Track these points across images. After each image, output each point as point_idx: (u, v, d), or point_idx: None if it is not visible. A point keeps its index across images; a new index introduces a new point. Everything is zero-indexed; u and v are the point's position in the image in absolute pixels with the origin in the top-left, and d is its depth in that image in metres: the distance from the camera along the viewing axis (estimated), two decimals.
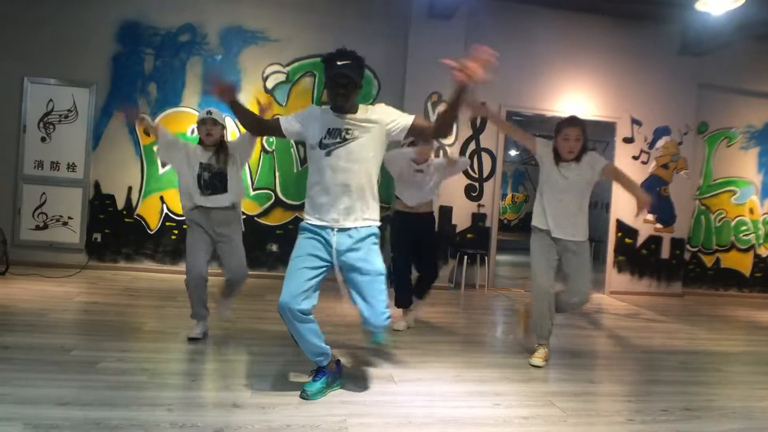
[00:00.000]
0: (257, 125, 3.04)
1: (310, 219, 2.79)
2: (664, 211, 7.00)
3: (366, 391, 2.91)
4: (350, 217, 2.73)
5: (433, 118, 6.28)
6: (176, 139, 3.76)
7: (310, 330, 2.72)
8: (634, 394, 3.19)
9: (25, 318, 3.91)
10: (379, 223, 2.83)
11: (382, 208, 2.93)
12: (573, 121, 3.59)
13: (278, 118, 2.85)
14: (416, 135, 2.90)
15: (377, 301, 2.72)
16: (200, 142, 3.65)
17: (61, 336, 3.56)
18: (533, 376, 3.35)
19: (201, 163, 3.59)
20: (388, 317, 2.76)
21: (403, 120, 2.80)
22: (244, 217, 6.06)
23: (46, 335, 3.52)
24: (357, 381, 3.03)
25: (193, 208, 3.63)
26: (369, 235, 2.77)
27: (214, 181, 3.59)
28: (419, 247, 4.32)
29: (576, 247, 3.64)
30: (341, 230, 2.73)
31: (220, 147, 3.64)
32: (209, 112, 3.61)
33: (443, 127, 2.89)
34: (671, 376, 3.58)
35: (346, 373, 3.11)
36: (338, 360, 2.96)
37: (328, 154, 2.71)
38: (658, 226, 7.01)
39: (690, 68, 6.91)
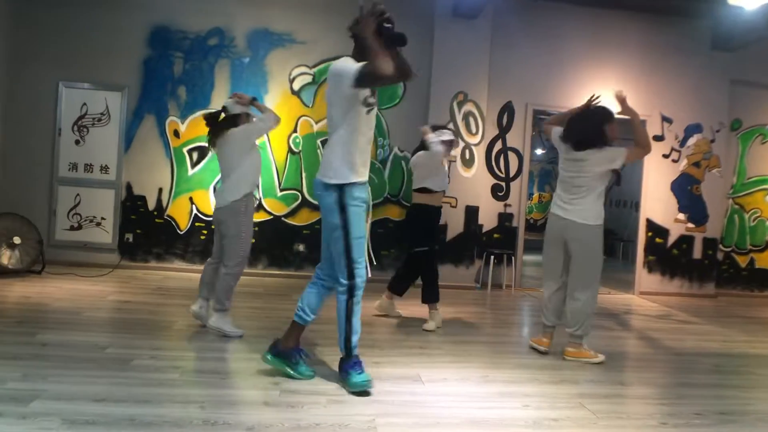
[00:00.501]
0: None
1: (358, 178, 2.85)
2: (696, 211, 6.85)
3: (394, 390, 2.92)
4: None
5: (459, 118, 6.26)
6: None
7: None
8: (667, 397, 3.13)
9: (61, 316, 4.02)
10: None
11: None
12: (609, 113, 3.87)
13: None
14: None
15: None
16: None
17: (96, 334, 3.66)
18: (563, 377, 3.32)
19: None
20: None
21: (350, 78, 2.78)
22: (271, 217, 6.18)
23: (81, 333, 3.61)
24: (385, 380, 3.04)
25: (249, 193, 3.79)
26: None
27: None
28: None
29: (582, 230, 3.60)
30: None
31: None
32: (224, 108, 3.88)
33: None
34: (705, 379, 3.51)
35: (374, 373, 3.12)
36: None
37: (369, 111, 2.87)
38: (690, 225, 6.86)
39: (722, 64, 6.75)
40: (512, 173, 6.59)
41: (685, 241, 6.86)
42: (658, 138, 6.76)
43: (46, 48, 5.99)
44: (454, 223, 6.30)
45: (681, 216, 6.83)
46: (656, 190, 6.77)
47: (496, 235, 6.56)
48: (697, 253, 6.87)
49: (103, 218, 6.10)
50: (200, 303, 3.89)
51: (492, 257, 6.32)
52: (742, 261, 7.17)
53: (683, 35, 6.69)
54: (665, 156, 6.78)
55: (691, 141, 6.81)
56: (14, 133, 6.00)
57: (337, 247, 2.87)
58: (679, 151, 6.81)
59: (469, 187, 6.30)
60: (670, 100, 6.75)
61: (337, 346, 2.96)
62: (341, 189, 2.82)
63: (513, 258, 6.44)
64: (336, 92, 2.81)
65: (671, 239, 6.84)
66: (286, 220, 6.25)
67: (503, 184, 6.58)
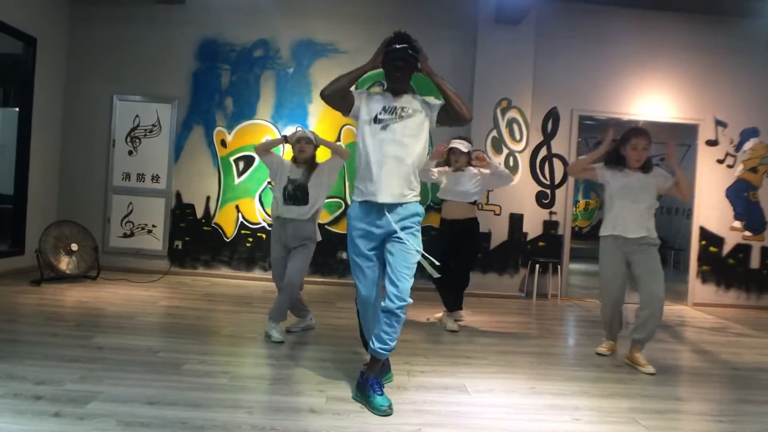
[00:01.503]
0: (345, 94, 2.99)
1: (355, 198, 2.89)
2: (753, 218, 6.55)
3: (439, 400, 2.90)
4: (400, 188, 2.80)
5: (502, 124, 6.20)
6: (278, 158, 4.09)
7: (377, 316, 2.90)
8: (725, 414, 2.99)
9: (115, 320, 4.16)
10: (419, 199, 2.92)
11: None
12: (640, 131, 3.78)
13: (352, 91, 2.93)
14: (446, 111, 2.91)
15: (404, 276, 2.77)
16: (293, 159, 3.98)
17: (148, 338, 3.77)
18: (614, 391, 3.22)
19: (289, 178, 3.90)
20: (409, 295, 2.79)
21: (435, 106, 2.93)
22: None
23: (135, 337, 3.73)
24: (430, 390, 3.02)
25: (276, 217, 3.97)
26: (415, 214, 2.86)
27: (296, 193, 3.86)
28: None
29: (648, 247, 3.73)
30: (391, 207, 2.79)
31: (310, 164, 3.94)
32: (304, 131, 3.99)
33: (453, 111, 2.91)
34: (765, 395, 3.34)
35: (420, 382, 3.11)
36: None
37: (384, 128, 2.81)
38: (747, 233, 6.56)
39: None
40: (557, 180, 6.46)
41: (742, 250, 6.56)
42: (712, 143, 6.52)
43: (101, 63, 6.26)
44: (498, 231, 6.23)
45: (737, 224, 6.54)
46: (710, 197, 6.51)
47: (541, 243, 6.44)
48: (754, 262, 6.56)
49: (154, 226, 6.30)
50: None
51: (537, 266, 6.21)
52: None
53: (737, 35, 6.43)
54: (719, 161, 6.52)
55: (748, 145, 6.53)
56: (72, 145, 6.29)
57: None
58: (734, 156, 6.54)
59: (513, 194, 6.21)
60: (725, 103, 6.50)
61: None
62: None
63: (559, 267, 6.31)
64: None
65: (726, 248, 6.56)
66: (329, 228, 6.31)
67: (548, 191, 6.46)
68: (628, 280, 3.86)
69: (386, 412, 2.66)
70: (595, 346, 4.11)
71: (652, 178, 3.75)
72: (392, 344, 2.83)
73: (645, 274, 3.68)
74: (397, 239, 2.80)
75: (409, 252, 2.79)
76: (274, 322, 3.88)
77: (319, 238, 4.03)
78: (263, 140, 4.05)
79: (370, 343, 2.88)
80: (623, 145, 3.76)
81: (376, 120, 2.82)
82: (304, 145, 3.93)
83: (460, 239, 4.51)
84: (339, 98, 2.87)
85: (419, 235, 2.88)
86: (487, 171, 4.49)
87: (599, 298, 4.19)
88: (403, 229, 2.80)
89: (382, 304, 2.78)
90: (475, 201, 4.60)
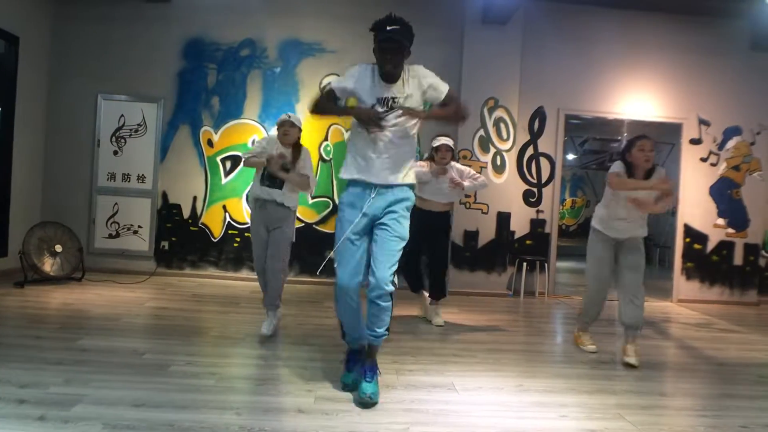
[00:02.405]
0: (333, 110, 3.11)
1: (353, 175, 2.90)
2: (736, 215, 6.64)
3: (428, 399, 2.90)
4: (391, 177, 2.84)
5: (489, 124, 6.23)
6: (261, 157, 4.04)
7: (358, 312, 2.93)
8: (710, 409, 3.03)
9: (101, 322, 4.12)
10: (412, 181, 2.93)
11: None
12: (644, 136, 3.78)
13: (332, 90, 2.93)
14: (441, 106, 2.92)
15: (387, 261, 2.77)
16: (280, 141, 4.01)
17: (134, 340, 3.74)
18: (600, 387, 3.25)
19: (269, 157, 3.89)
20: (392, 282, 2.78)
21: (437, 93, 2.88)
22: (303, 225, 6.23)
23: (120, 339, 3.69)
24: (419, 388, 3.03)
25: (254, 198, 3.98)
26: (404, 199, 2.87)
27: (274, 177, 3.88)
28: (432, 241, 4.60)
29: (636, 242, 3.85)
30: (380, 189, 2.83)
31: (294, 147, 3.97)
32: (288, 115, 3.99)
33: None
34: (749, 390, 3.38)
35: (408, 381, 3.12)
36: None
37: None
38: (730, 230, 6.65)
39: (761, 64, 6.55)
40: (544, 179, 6.50)
41: (725, 246, 6.65)
42: (695, 141, 6.60)
43: (86, 62, 6.18)
44: (485, 229, 6.26)
45: (720, 221, 6.63)
46: (694, 195, 6.59)
47: (528, 242, 6.48)
48: (737, 259, 6.66)
49: (140, 226, 6.24)
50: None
51: (524, 264, 6.25)
52: None
53: (720, 36, 6.52)
54: (703, 160, 6.61)
55: (730, 144, 6.62)
56: (56, 145, 6.20)
57: None
58: (717, 155, 6.62)
59: (500, 193, 6.24)
60: (708, 103, 6.58)
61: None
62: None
63: (546, 265, 6.35)
64: None
65: (710, 245, 6.65)
66: (317, 228, 6.29)
67: (535, 189, 6.50)
68: (612, 273, 3.95)
69: (365, 400, 2.71)
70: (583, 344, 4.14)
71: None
72: (380, 330, 2.85)
73: (632, 268, 3.81)
74: (381, 225, 2.82)
75: (391, 239, 2.79)
76: (269, 309, 3.97)
77: (292, 238, 4.04)
78: (248, 156, 4.02)
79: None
80: (629, 150, 3.76)
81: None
82: (288, 129, 3.96)
83: (435, 228, 4.61)
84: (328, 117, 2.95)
85: (406, 221, 2.88)
86: (466, 183, 4.57)
87: (584, 288, 4.28)
88: (389, 213, 2.82)
89: (367, 291, 2.80)
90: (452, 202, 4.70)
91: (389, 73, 2.80)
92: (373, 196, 2.83)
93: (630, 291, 3.81)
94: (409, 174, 2.90)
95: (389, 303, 2.81)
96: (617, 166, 3.81)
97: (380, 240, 2.80)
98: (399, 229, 2.82)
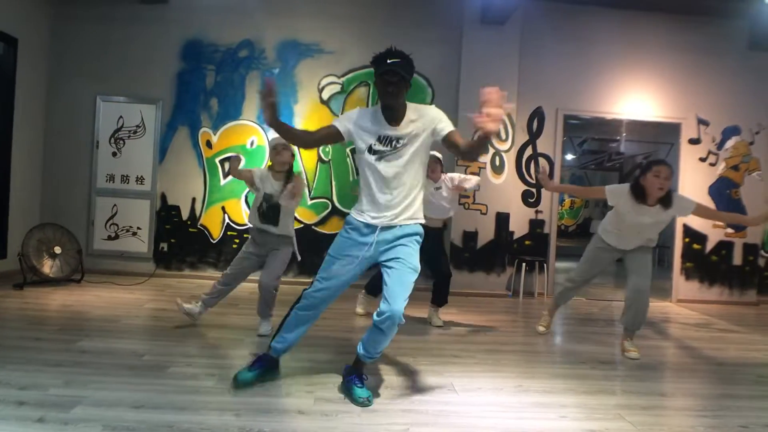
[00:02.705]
0: (310, 139, 3.03)
1: (357, 216, 2.89)
2: None
3: (428, 400, 2.90)
4: (399, 216, 2.83)
5: None
6: (248, 172, 4.10)
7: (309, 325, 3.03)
8: (709, 409, 3.03)
9: (100, 324, 4.11)
10: (422, 221, 2.93)
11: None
12: (664, 161, 3.74)
13: (334, 123, 2.91)
14: (448, 146, 2.86)
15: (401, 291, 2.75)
16: (271, 167, 4.01)
17: (133, 341, 3.73)
18: (600, 388, 3.25)
19: (265, 194, 3.95)
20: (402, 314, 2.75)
21: (447, 128, 2.83)
22: (302, 226, 6.23)
23: (120, 340, 3.69)
24: (418, 389, 3.03)
25: (254, 228, 4.04)
26: (414, 234, 2.87)
27: (269, 213, 3.94)
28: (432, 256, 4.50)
29: (640, 246, 3.92)
30: (385, 228, 2.82)
31: (288, 176, 3.95)
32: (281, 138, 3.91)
33: (470, 157, 3.05)
34: (749, 390, 3.39)
35: (408, 382, 3.12)
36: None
37: (379, 159, 2.80)
38: (729, 231, 6.66)
39: (760, 64, 6.57)
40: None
41: (725, 247, 6.66)
42: (694, 141, 6.61)
43: (84, 64, 6.18)
44: (484, 230, 6.26)
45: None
46: (693, 195, 6.45)
47: (527, 242, 6.48)
48: (737, 259, 6.66)
49: (138, 228, 6.24)
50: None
51: (523, 264, 6.25)
52: None
53: (718, 36, 6.53)
54: (702, 159, 6.61)
55: (729, 143, 6.63)
56: (54, 146, 6.20)
57: None
58: (716, 155, 6.63)
59: (499, 193, 6.25)
60: (707, 102, 6.59)
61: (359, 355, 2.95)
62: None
63: (545, 265, 6.35)
64: None
65: (710, 245, 6.65)
66: (316, 229, 6.29)
67: (534, 190, 6.50)
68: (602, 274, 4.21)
69: (364, 403, 2.74)
70: (581, 344, 4.16)
71: (669, 215, 3.73)
72: (377, 355, 2.88)
73: (634, 269, 3.88)
74: (395, 258, 2.79)
75: (407, 272, 2.77)
76: (263, 318, 4.05)
77: (294, 250, 4.09)
78: (227, 166, 4.09)
79: (358, 348, 2.89)
80: (644, 174, 3.67)
81: (371, 150, 2.82)
82: (281, 150, 3.96)
83: (432, 245, 4.54)
84: (317, 145, 3.07)
85: (416, 252, 2.85)
86: (465, 185, 4.58)
87: (568, 275, 4.47)
88: (399, 245, 2.80)
89: (374, 316, 2.76)
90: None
91: (390, 107, 2.77)
92: (376, 236, 2.83)
93: (631, 295, 3.88)
94: (418, 212, 2.88)
95: (394, 333, 2.80)
96: (618, 191, 3.79)
97: (396, 272, 2.77)
98: (413, 262, 2.81)
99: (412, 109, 2.83)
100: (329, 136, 2.92)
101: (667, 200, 3.67)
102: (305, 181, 4.11)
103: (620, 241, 3.93)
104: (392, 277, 2.76)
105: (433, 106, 2.95)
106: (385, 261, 2.84)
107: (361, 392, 2.80)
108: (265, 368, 3.04)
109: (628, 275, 3.94)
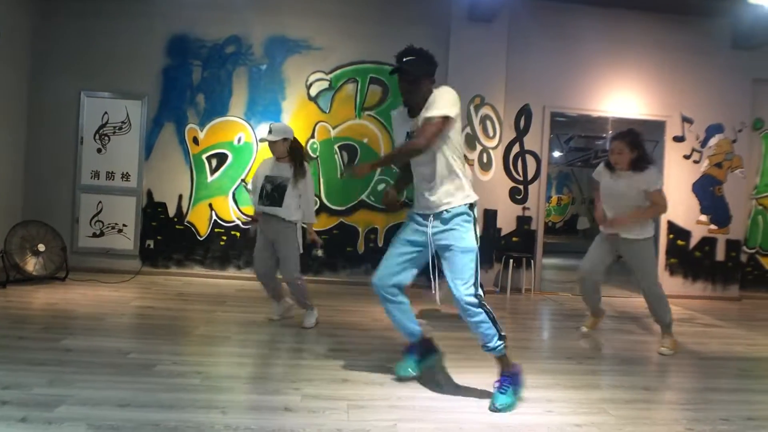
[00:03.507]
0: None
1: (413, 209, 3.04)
2: (718, 212, 6.74)
3: (414, 395, 2.91)
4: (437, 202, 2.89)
5: (476, 121, 6.24)
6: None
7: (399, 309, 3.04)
8: (692, 402, 3.08)
9: (85, 322, 4.08)
10: (469, 201, 2.95)
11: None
12: (617, 135, 3.94)
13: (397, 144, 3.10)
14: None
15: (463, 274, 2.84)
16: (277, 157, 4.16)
17: (119, 339, 3.70)
18: (585, 382, 3.28)
19: (267, 177, 4.06)
20: (473, 294, 2.84)
21: (428, 113, 2.83)
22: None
23: (105, 338, 3.66)
24: (405, 385, 3.03)
25: (259, 213, 4.17)
26: (459, 214, 2.88)
27: (273, 194, 4.02)
28: None
29: (632, 244, 3.96)
30: (435, 215, 2.90)
31: (294, 160, 4.05)
32: (269, 131, 4.05)
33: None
34: (731, 383, 3.45)
35: (393, 378, 3.13)
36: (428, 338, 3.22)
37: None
38: (713, 227, 6.75)
39: (743, 63, 6.64)
40: (530, 176, 6.55)
41: (708, 243, 6.74)
42: (679, 139, 6.68)
43: (68, 58, 6.10)
44: None
45: (703, 218, 6.72)
46: (677, 192, 6.67)
47: (514, 239, 6.52)
48: (720, 255, 6.75)
49: (124, 225, 6.18)
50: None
51: (511, 261, 6.29)
52: (767, 263, 7.02)
53: (703, 34, 6.60)
54: (686, 157, 6.69)
55: (713, 141, 6.71)
56: (38, 142, 6.12)
57: None
58: (700, 152, 6.71)
59: (487, 190, 6.27)
60: (691, 101, 6.66)
61: (354, 352, 2.96)
62: None
63: (532, 261, 6.39)
64: None
65: (693, 241, 6.73)
66: (304, 226, 6.26)
67: (521, 187, 6.54)
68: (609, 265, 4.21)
69: (491, 408, 2.74)
70: (568, 339, 4.20)
71: (642, 180, 3.85)
72: (490, 343, 2.84)
73: (635, 269, 4.05)
74: (446, 247, 2.86)
75: (458, 257, 2.84)
76: (303, 309, 4.27)
77: (299, 249, 4.17)
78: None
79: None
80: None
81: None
82: (271, 146, 4.05)
83: None
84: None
85: (469, 232, 2.89)
86: None
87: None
88: (449, 230, 2.87)
89: None
90: None
91: (407, 104, 2.91)
92: (430, 223, 2.92)
93: (644, 297, 4.09)
94: (456, 195, 2.91)
95: (480, 315, 2.82)
96: (597, 169, 4.11)
97: (446, 262, 2.88)
98: (464, 243, 2.86)
99: (430, 99, 2.88)
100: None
101: (637, 166, 3.84)
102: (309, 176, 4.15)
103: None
104: (445, 267, 2.88)
105: (444, 88, 2.93)
106: (442, 252, 2.91)
107: (501, 398, 2.77)
108: (417, 353, 3.16)
109: (635, 276, 4.12)
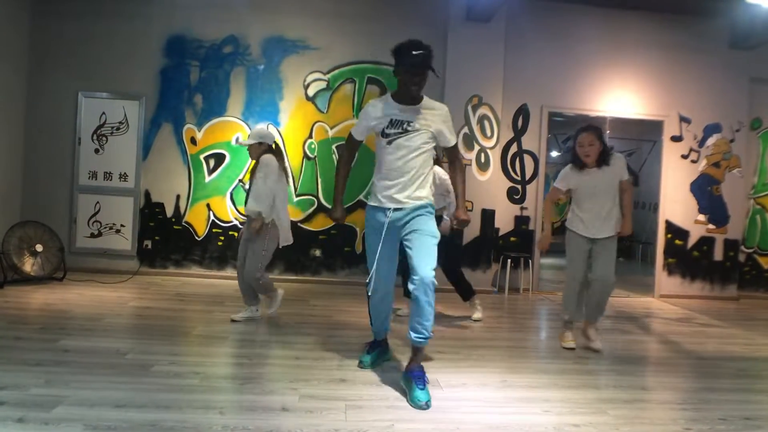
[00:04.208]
0: (350, 162, 3.32)
1: (371, 203, 3.10)
2: (716, 212, 6.74)
3: None
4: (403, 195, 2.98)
5: (473, 121, 6.24)
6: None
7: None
8: (690, 402, 3.08)
9: (82, 322, 4.07)
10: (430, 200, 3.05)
11: None
12: (586, 128, 3.87)
13: (355, 137, 3.17)
14: (447, 156, 3.23)
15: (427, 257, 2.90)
16: None
17: (116, 340, 3.69)
18: (583, 382, 3.28)
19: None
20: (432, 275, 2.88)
21: (445, 141, 3.08)
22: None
23: (103, 339, 3.65)
24: (403, 385, 3.03)
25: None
26: (421, 206, 2.98)
27: (246, 193, 4.24)
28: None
29: (607, 240, 3.89)
30: (397, 209, 2.97)
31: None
32: (237, 140, 4.45)
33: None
34: (729, 383, 3.44)
35: (393, 377, 3.13)
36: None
37: (390, 143, 2.95)
38: (711, 226, 6.75)
39: (741, 62, 6.65)
40: (528, 176, 6.55)
41: (706, 242, 6.75)
42: (677, 138, 6.68)
43: (66, 59, 6.09)
44: (470, 226, 6.24)
45: (701, 217, 6.73)
46: (675, 192, 6.68)
47: (512, 239, 6.52)
48: (718, 254, 6.76)
49: (122, 225, 6.17)
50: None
51: (509, 261, 6.29)
52: (765, 262, 7.03)
53: (700, 34, 6.60)
54: (684, 157, 6.69)
55: (711, 141, 6.72)
56: (35, 143, 6.11)
57: None
58: (698, 152, 6.71)
59: (484, 190, 6.27)
60: (688, 100, 6.67)
61: (352, 352, 2.99)
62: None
63: (530, 261, 6.40)
64: None
65: (691, 241, 6.74)
66: (302, 226, 6.27)
67: (519, 187, 6.54)
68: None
69: (422, 407, 2.72)
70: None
71: (613, 173, 3.83)
72: (425, 332, 2.93)
73: (600, 259, 3.88)
74: (413, 231, 2.93)
75: (426, 239, 2.91)
76: (246, 303, 4.35)
77: (264, 249, 4.17)
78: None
79: (408, 335, 3.02)
80: (574, 146, 3.87)
81: (383, 134, 2.98)
82: (248, 150, 4.26)
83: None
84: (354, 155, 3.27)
85: (432, 220, 2.99)
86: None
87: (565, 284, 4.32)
88: (413, 218, 2.94)
89: (410, 288, 2.92)
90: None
91: (414, 97, 2.94)
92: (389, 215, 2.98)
93: (597, 287, 3.93)
94: (427, 194, 3.03)
95: (431, 299, 2.88)
96: (562, 174, 3.96)
97: (416, 242, 2.92)
98: (430, 228, 2.95)
99: (426, 100, 3.00)
100: (356, 147, 3.23)
101: (603, 160, 3.81)
102: (272, 164, 4.08)
103: (586, 223, 3.88)
104: (414, 248, 2.91)
105: (446, 110, 3.09)
106: (405, 236, 2.98)
107: (420, 395, 2.76)
108: (380, 350, 3.36)
109: (593, 263, 3.91)
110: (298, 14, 6.25)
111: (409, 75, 2.86)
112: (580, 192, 3.90)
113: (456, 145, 3.15)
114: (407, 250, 2.95)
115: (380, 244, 2.99)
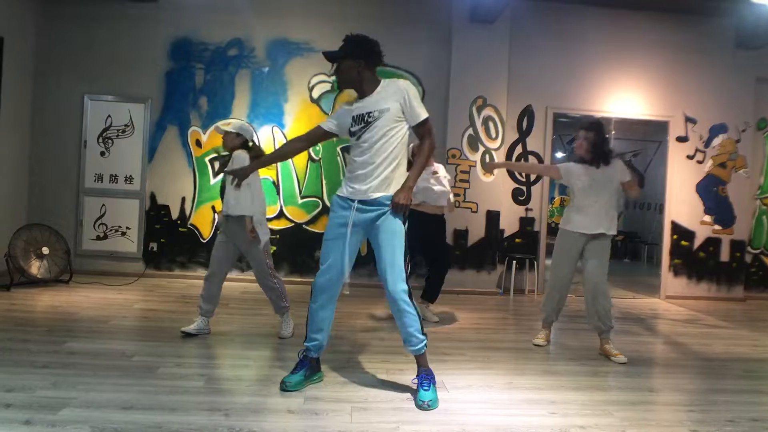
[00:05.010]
0: (300, 144, 3.27)
1: (339, 193, 2.99)
2: (722, 212, 6.71)
3: None
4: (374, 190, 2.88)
5: (478, 122, 6.23)
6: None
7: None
8: (697, 404, 3.06)
9: (89, 324, 4.08)
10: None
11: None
12: (582, 124, 3.97)
13: (320, 124, 3.12)
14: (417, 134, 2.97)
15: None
16: None
17: (122, 342, 3.71)
18: (589, 384, 3.27)
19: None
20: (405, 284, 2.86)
21: (411, 116, 2.89)
22: (293, 225, 6.22)
23: (109, 341, 3.67)
24: (408, 387, 3.02)
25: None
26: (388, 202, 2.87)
27: (222, 192, 4.00)
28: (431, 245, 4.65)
29: (602, 238, 3.90)
30: (363, 202, 2.87)
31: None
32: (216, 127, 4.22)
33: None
34: (736, 384, 3.42)
35: (399, 379, 3.12)
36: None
37: (357, 138, 2.92)
38: (717, 227, 6.72)
39: (746, 62, 6.62)
40: (533, 177, 6.53)
41: (712, 243, 6.72)
42: (682, 139, 6.66)
43: (72, 62, 6.13)
44: (475, 228, 6.27)
45: (707, 218, 6.69)
46: (681, 192, 6.65)
47: (517, 240, 6.51)
48: (724, 255, 6.72)
49: (128, 228, 6.20)
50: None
51: (514, 262, 6.27)
52: None
53: (706, 34, 6.57)
54: (689, 157, 6.67)
55: (716, 141, 6.69)
56: (42, 146, 6.14)
57: None
58: (703, 152, 6.68)
59: (489, 191, 6.27)
60: (694, 101, 6.64)
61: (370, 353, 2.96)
62: None
63: (535, 263, 6.38)
64: None
65: (697, 242, 6.71)
66: (306, 228, 6.28)
67: (524, 188, 6.53)
68: (576, 271, 4.06)
69: (423, 407, 2.72)
70: (569, 340, 4.19)
71: (612, 171, 3.86)
72: (415, 340, 2.87)
73: (591, 261, 3.87)
74: (378, 231, 2.86)
75: (391, 247, 2.85)
76: (279, 315, 4.04)
77: (261, 246, 3.88)
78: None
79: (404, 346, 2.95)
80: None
81: (350, 133, 2.97)
82: (223, 137, 4.08)
83: (430, 233, 4.60)
84: (311, 144, 3.32)
85: (397, 216, 2.87)
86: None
87: (546, 285, 4.37)
88: (381, 215, 2.85)
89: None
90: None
91: (357, 89, 2.98)
92: (354, 210, 2.89)
93: (590, 283, 3.93)
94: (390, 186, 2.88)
95: (410, 308, 2.84)
96: (569, 169, 4.01)
97: (381, 252, 2.88)
98: (395, 227, 2.85)
99: (382, 85, 2.96)
100: (317, 136, 3.16)
101: (600, 159, 3.83)
102: (245, 163, 3.78)
103: (583, 219, 3.88)
104: (380, 258, 2.88)
105: (403, 80, 3.00)
106: (371, 234, 2.92)
107: (422, 395, 2.78)
108: (308, 369, 3.00)
109: (584, 266, 3.91)
110: (303, 16, 6.27)
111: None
112: (590, 186, 3.89)
113: (425, 120, 2.87)
114: (375, 253, 2.92)
115: (335, 238, 2.93)
